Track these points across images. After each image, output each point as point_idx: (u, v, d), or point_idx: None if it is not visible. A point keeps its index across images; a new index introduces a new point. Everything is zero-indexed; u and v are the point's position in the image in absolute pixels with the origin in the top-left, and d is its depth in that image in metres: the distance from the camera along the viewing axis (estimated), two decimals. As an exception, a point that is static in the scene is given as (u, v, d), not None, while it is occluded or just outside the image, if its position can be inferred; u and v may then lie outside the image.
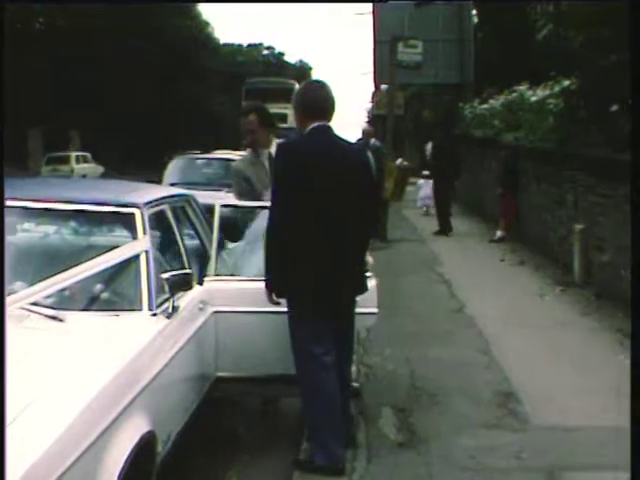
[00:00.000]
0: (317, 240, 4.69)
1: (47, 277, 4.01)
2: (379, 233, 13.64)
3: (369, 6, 28.00)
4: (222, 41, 61.81)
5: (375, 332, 6.27)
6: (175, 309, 4.36)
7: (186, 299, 4.63)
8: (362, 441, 5.22)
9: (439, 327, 8.36)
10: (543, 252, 12.88)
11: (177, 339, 4.35)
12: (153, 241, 4.62)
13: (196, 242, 5.70)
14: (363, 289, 4.97)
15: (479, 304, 9.38)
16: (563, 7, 12.02)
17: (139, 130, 42.75)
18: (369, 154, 5.53)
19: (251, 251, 5.50)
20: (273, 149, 5.80)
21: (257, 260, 5.15)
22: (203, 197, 6.23)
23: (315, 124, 4.84)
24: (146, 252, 4.38)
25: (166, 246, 5.06)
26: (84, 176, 32.60)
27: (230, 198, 6.40)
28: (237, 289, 5.17)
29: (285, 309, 4.79)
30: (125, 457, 3.32)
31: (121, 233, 4.79)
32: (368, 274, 5.16)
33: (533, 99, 15.06)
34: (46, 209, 4.64)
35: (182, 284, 4.45)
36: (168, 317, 4.28)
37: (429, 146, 19.90)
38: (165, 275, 4.32)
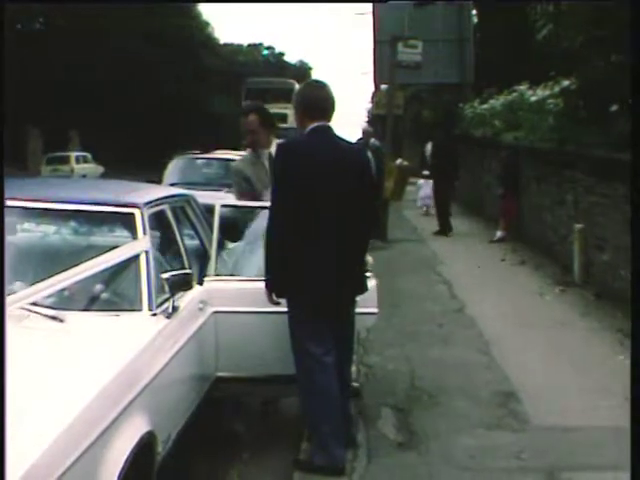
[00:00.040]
0: (317, 240, 4.69)
1: (47, 277, 4.01)
2: (379, 233, 13.64)
3: (369, 6, 27.98)
4: (222, 41, 61.92)
5: (375, 332, 6.28)
6: (175, 309, 4.36)
7: (186, 299, 4.63)
8: (362, 441, 5.22)
9: (439, 327, 8.35)
10: (543, 252, 12.88)
11: (177, 339, 4.35)
12: (153, 241, 4.62)
13: (196, 242, 5.70)
14: (363, 289, 4.97)
15: (479, 304, 9.38)
16: (563, 7, 12.02)
17: (139, 130, 42.74)
18: (369, 154, 5.53)
19: (251, 251, 5.50)
20: (273, 149, 5.80)
21: (257, 260, 5.16)
22: (203, 197, 6.23)
23: (315, 124, 4.84)
24: (146, 252, 4.38)
25: (166, 246, 5.06)
26: (84, 176, 32.59)
27: (230, 198, 6.40)
28: (237, 289, 5.17)
29: (285, 309, 4.79)
30: (125, 457, 3.32)
31: (121, 233, 4.79)
32: (368, 274, 5.16)
33: (533, 99, 15.05)
34: (46, 209, 4.64)
35: (182, 284, 4.45)
36: (168, 317, 4.28)
37: (429, 146, 19.89)
38: (165, 275, 4.32)
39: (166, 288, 4.32)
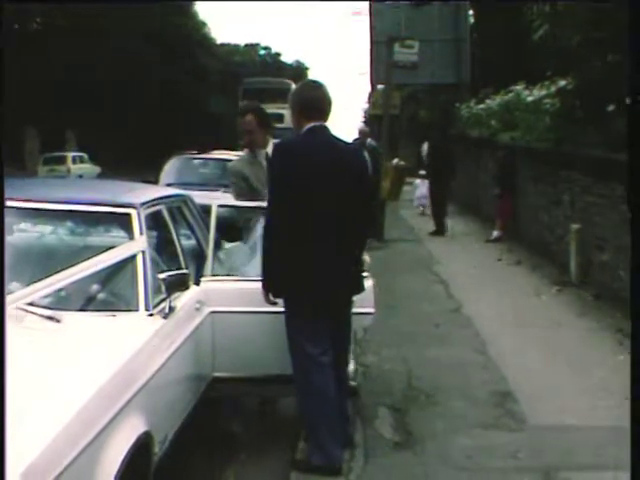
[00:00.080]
0: (314, 240, 4.69)
1: (44, 277, 4.01)
2: (376, 233, 13.64)
3: (366, 6, 28.02)
4: (219, 41, 61.89)
5: (372, 332, 6.27)
6: (172, 309, 4.36)
7: (183, 299, 4.63)
8: (359, 441, 5.22)
9: (436, 327, 8.36)
10: (540, 252, 12.89)
11: (174, 339, 4.35)
12: (150, 241, 4.62)
13: (193, 242, 5.70)
14: (360, 289, 4.97)
15: (476, 304, 9.38)
16: (559, 7, 12.02)
17: (136, 130, 42.70)
18: (366, 154, 5.53)
19: (248, 251, 5.50)
20: (270, 149, 5.80)
21: (254, 260, 5.16)
22: (200, 197, 6.23)
23: (311, 124, 4.84)
24: (143, 252, 4.38)
25: (163, 246, 5.05)
26: (81, 176, 32.54)
27: (227, 198, 6.39)
28: (234, 289, 5.16)
29: (282, 309, 4.79)
30: (122, 458, 3.32)
31: (118, 233, 4.79)
32: (365, 274, 5.16)
33: (529, 99, 15.08)
34: (43, 209, 4.64)
35: (179, 284, 4.45)
36: (165, 317, 4.28)
37: (425, 146, 19.91)
38: (162, 275, 4.32)
39: (163, 288, 4.32)
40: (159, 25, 43.15)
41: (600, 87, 10.58)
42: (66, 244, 4.80)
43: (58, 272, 4.04)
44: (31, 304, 3.91)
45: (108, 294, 4.32)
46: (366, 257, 5.27)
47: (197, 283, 5.08)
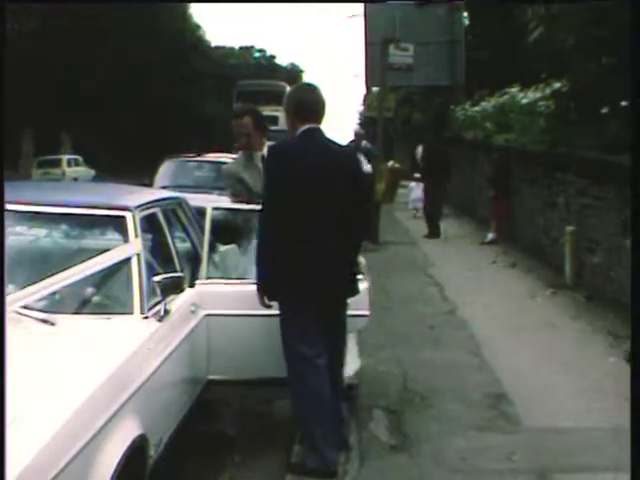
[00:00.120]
0: (308, 243, 4.69)
1: (38, 280, 4.01)
2: (371, 235, 13.64)
3: (361, 8, 28.01)
4: (214, 44, 61.88)
5: (367, 334, 6.27)
6: (167, 312, 4.35)
7: (178, 302, 4.62)
8: (354, 443, 5.22)
9: (431, 329, 8.35)
10: (534, 254, 12.90)
11: (169, 342, 4.35)
12: (145, 244, 4.61)
13: (188, 245, 5.69)
14: (354, 291, 4.97)
15: (470, 306, 9.39)
16: (554, 10, 12.04)
17: (131, 133, 42.66)
18: (360, 156, 5.54)
19: (242, 254, 5.50)
20: (265, 151, 5.80)
21: (248, 263, 5.15)
22: (194, 200, 6.22)
23: (306, 127, 4.84)
24: (137, 255, 4.37)
25: (158, 249, 5.04)
26: (75, 179, 32.54)
27: (221, 201, 6.38)
28: (228, 292, 5.16)
29: (276, 312, 4.79)
30: (117, 461, 3.32)
31: (112, 236, 4.77)
32: (360, 276, 5.16)
33: (524, 101, 15.10)
34: (37, 212, 4.64)
35: (174, 287, 4.45)
36: (160, 320, 4.28)
37: (420, 149, 19.91)
38: (157, 278, 4.32)
39: (158, 291, 4.32)
40: (160, 25, 43.10)
41: (594, 89, 10.60)
42: (61, 247, 4.78)
43: (53, 275, 4.04)
44: (26, 307, 3.91)
45: (103, 297, 4.32)
46: (361, 259, 5.27)
47: (192, 286, 5.08)
